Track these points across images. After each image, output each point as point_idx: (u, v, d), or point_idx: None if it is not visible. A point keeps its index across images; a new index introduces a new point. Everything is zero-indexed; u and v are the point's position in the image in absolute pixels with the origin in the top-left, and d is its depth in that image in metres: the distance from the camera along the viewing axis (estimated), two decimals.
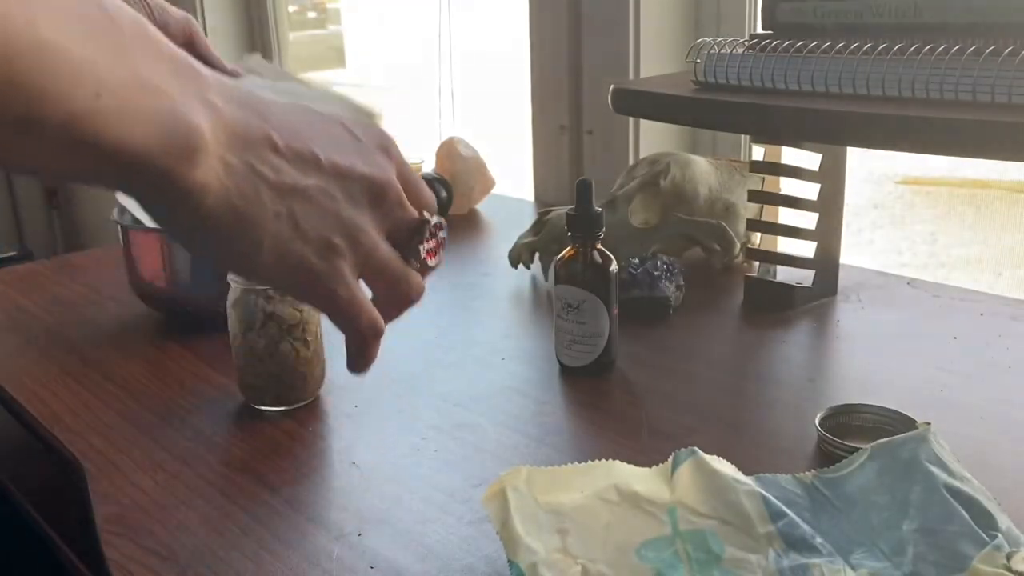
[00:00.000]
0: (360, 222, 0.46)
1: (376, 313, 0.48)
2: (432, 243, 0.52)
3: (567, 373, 0.79)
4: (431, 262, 0.52)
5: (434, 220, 0.52)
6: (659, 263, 0.91)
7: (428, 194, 0.51)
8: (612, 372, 0.79)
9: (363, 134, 0.48)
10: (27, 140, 0.33)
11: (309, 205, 0.44)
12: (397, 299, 0.49)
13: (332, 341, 0.85)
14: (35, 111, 0.32)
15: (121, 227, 0.90)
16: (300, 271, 0.44)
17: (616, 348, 0.78)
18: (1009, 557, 0.48)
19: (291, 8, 2.12)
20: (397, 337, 0.87)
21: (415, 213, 0.50)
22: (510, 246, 1.04)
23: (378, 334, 0.49)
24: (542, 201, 1.40)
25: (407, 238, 0.50)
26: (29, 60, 0.32)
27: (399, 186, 0.48)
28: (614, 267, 0.76)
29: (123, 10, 0.36)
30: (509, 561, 0.49)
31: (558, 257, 0.77)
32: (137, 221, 0.91)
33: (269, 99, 0.43)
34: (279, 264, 0.44)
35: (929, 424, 0.58)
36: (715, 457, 0.56)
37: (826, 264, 0.92)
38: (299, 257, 0.44)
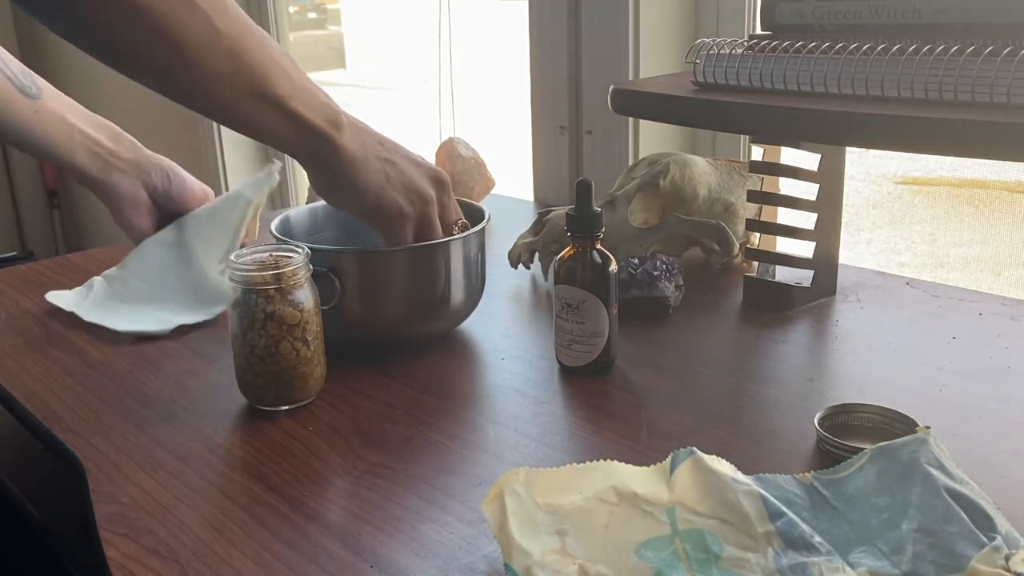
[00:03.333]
0: (430, 192, 0.79)
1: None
2: (458, 228, 0.83)
3: (567, 373, 0.79)
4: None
5: (460, 221, 0.83)
6: (658, 263, 0.91)
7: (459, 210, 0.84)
8: (612, 372, 0.79)
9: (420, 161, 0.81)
10: (259, 109, 0.70)
11: (400, 172, 0.77)
12: None
13: (331, 340, 0.85)
14: (269, 92, 0.69)
15: None
16: (389, 209, 0.77)
17: (616, 348, 0.78)
18: (1008, 558, 0.48)
19: (291, 8, 2.12)
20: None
21: (456, 210, 0.83)
22: (510, 246, 1.04)
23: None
24: (542, 201, 1.40)
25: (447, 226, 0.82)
26: (266, 70, 0.69)
27: (450, 185, 0.82)
28: (613, 267, 0.76)
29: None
30: (505, 565, 0.49)
31: (558, 257, 0.77)
32: None
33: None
34: (377, 202, 0.76)
35: (929, 427, 0.58)
36: (714, 457, 0.56)
37: (825, 264, 0.93)
38: (391, 200, 0.77)
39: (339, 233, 0.93)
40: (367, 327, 0.82)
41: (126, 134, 0.94)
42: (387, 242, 0.79)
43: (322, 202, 0.86)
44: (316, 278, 0.75)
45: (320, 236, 0.92)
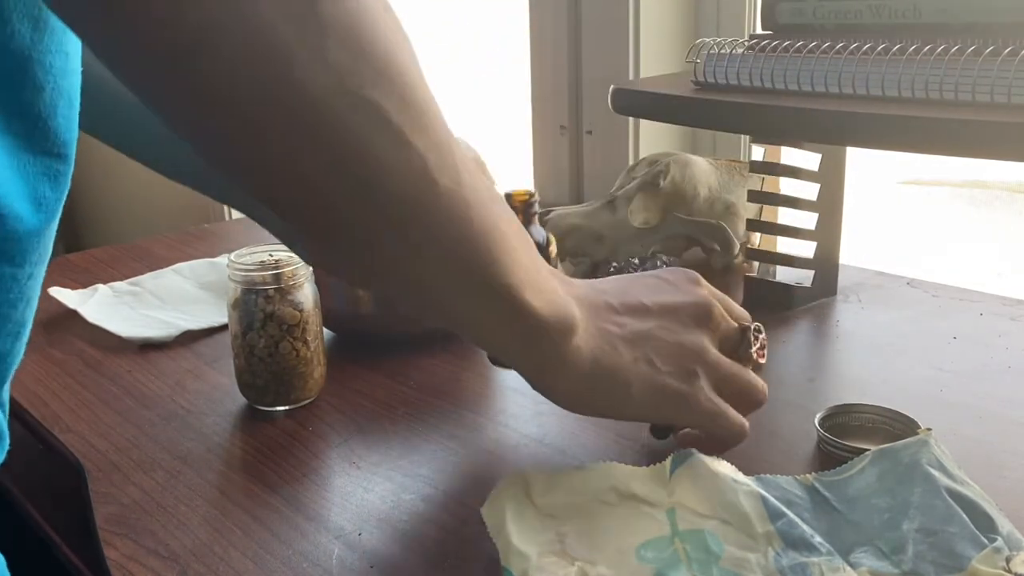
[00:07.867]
0: (701, 343, 0.56)
1: (739, 415, 0.58)
2: (757, 344, 0.60)
3: None
4: (761, 360, 0.61)
5: (753, 325, 0.60)
6: (659, 263, 0.91)
7: (739, 307, 0.61)
8: None
9: (671, 275, 0.58)
10: (473, 294, 0.47)
11: (656, 343, 0.55)
12: (747, 402, 0.59)
13: (332, 341, 0.85)
14: (496, 278, 0.47)
15: None
16: (668, 398, 0.55)
17: None
18: (1009, 560, 0.48)
19: None
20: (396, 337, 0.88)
21: (735, 324, 0.59)
22: None
23: (745, 433, 0.59)
24: (542, 201, 1.39)
25: (736, 346, 0.59)
26: (499, 251, 0.46)
27: (717, 304, 0.58)
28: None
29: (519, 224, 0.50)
30: (503, 568, 0.49)
31: None
32: None
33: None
34: (649, 397, 0.54)
35: (931, 430, 0.58)
36: (713, 457, 0.56)
37: (825, 264, 0.92)
38: (664, 386, 0.54)
39: None
40: (377, 323, 0.82)
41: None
42: (692, 426, 0.60)
43: None
44: None
45: None
